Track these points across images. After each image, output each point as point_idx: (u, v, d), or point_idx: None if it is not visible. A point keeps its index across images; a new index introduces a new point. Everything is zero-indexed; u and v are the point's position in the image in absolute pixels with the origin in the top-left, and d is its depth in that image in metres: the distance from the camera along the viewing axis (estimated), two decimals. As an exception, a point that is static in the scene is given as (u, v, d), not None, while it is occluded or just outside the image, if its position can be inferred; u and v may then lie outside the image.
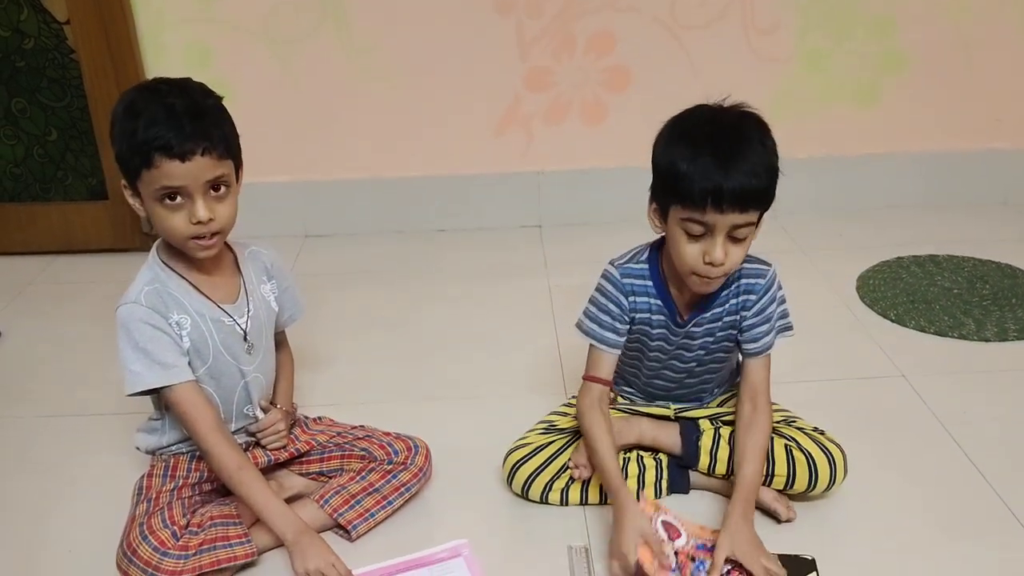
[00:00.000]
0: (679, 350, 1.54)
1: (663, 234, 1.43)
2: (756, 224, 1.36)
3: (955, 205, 2.81)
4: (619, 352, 1.53)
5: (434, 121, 2.66)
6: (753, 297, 1.48)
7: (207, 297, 1.46)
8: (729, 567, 1.37)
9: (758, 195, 1.32)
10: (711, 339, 1.52)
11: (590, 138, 2.70)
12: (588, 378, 1.53)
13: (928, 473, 1.63)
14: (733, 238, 1.34)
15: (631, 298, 1.49)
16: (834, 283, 2.37)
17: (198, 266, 1.46)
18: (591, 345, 1.53)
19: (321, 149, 2.68)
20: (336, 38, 2.55)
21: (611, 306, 1.50)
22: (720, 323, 1.50)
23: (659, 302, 1.49)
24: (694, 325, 1.50)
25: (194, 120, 1.32)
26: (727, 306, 1.49)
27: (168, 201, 1.34)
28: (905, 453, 1.69)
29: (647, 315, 1.50)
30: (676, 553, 1.39)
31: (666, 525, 1.42)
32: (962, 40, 2.66)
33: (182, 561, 1.35)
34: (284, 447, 1.57)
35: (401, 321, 2.27)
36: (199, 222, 1.35)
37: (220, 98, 1.39)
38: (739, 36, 2.60)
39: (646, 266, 1.49)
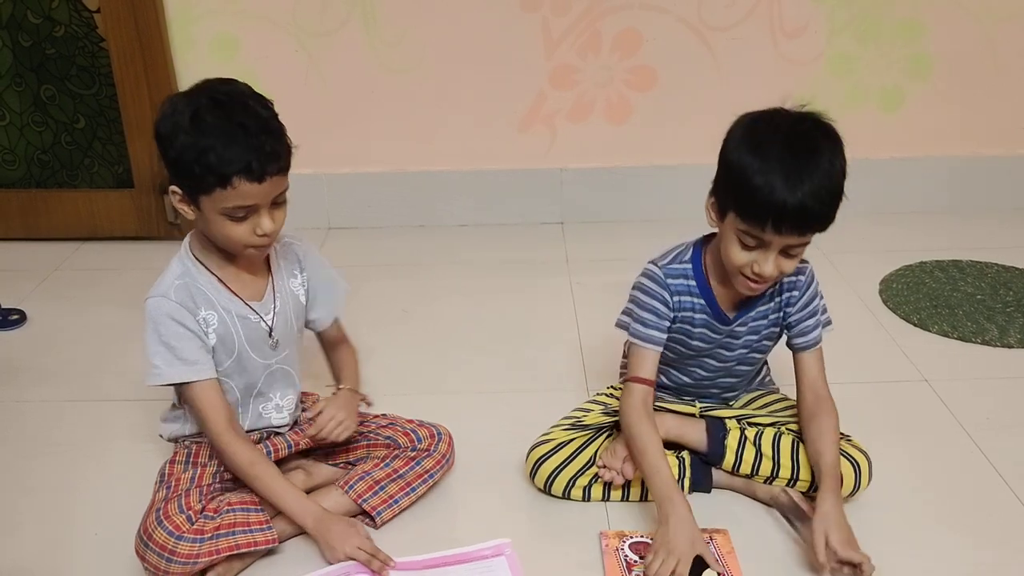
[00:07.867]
0: (719, 348, 1.54)
1: (715, 230, 1.44)
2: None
3: (979, 211, 2.80)
4: (661, 351, 1.52)
5: (458, 116, 2.67)
6: (796, 293, 1.50)
7: (235, 294, 1.47)
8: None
9: (819, 220, 1.33)
10: (755, 337, 1.53)
11: (614, 136, 2.70)
12: (633, 379, 1.51)
13: (950, 478, 1.63)
14: (786, 253, 1.36)
15: (676, 298, 1.49)
16: (857, 287, 2.36)
17: (229, 263, 1.47)
18: (632, 344, 1.52)
19: (346, 142, 2.70)
20: (363, 31, 2.57)
21: (657, 304, 1.49)
22: (765, 320, 1.52)
23: (702, 301, 1.49)
24: (739, 324, 1.51)
25: (269, 141, 1.32)
26: (772, 304, 1.51)
27: (237, 215, 1.35)
28: (927, 458, 1.69)
29: (690, 314, 1.51)
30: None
31: (635, 547, 1.44)
32: (988, 46, 2.64)
33: (197, 544, 1.35)
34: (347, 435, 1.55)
35: (423, 315, 2.28)
36: (264, 235, 1.37)
37: (272, 103, 1.38)
38: (766, 38, 2.59)
39: (689, 266, 1.50)
